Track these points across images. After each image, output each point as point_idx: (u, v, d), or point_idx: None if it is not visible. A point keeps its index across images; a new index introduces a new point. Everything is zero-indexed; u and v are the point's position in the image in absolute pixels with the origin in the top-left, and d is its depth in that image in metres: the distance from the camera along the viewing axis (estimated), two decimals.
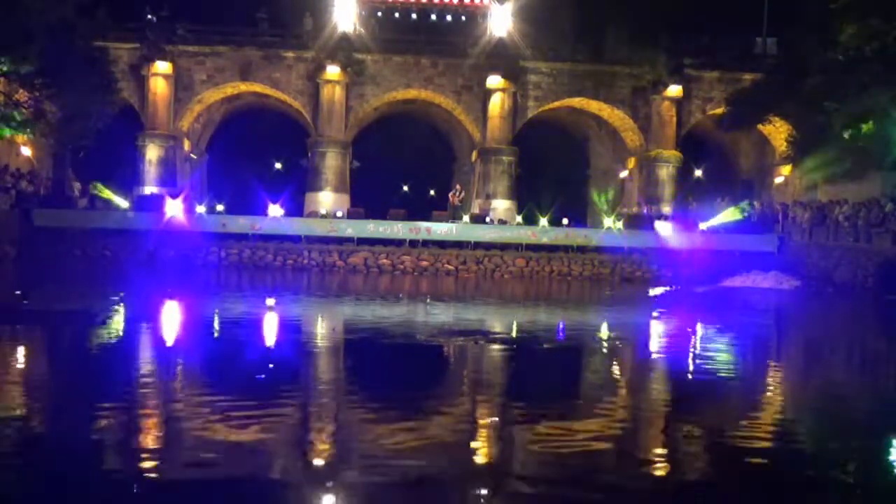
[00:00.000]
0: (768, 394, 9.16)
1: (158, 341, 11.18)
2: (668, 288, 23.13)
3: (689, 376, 9.87)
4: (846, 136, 23.61)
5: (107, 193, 28.36)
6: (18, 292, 15.17)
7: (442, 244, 26.30)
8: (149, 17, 31.23)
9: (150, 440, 6.23)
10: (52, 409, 7.05)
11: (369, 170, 34.66)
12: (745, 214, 29.48)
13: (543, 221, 28.23)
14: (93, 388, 7.74)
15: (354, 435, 6.46)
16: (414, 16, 42.90)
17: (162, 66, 30.62)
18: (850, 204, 25.10)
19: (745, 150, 36.81)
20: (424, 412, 7.11)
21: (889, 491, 5.75)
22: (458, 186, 30.94)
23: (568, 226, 27.71)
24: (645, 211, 31.66)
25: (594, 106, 33.82)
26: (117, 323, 13.07)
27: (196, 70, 31.52)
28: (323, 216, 28.47)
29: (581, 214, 35.39)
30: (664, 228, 27.33)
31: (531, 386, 8.79)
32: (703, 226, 28.53)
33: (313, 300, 18.25)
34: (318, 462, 5.81)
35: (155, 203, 26.89)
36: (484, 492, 5.22)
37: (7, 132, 24.13)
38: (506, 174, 32.16)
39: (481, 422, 7.20)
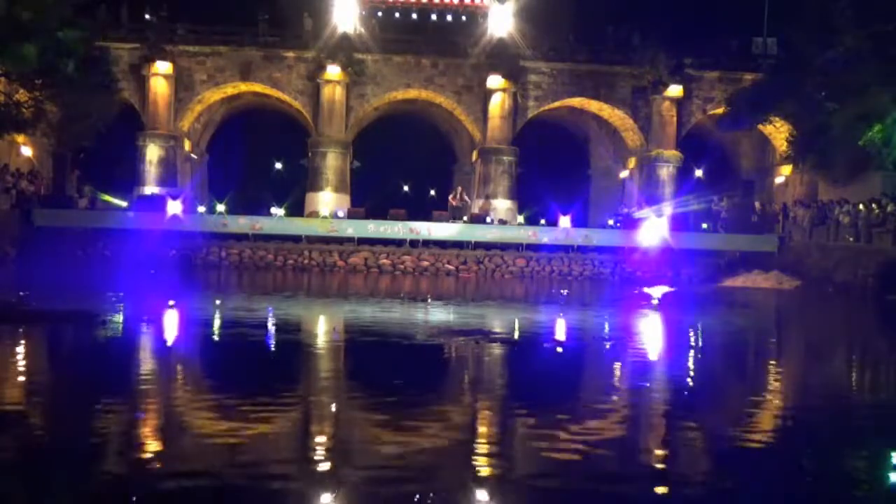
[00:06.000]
0: (768, 393, 9.16)
1: (159, 341, 11.18)
2: (668, 288, 23.13)
3: (689, 380, 9.86)
4: (846, 136, 23.61)
5: (107, 198, 28.42)
6: (22, 293, 15.16)
7: (442, 244, 26.32)
8: (148, 16, 31.25)
9: (151, 439, 6.23)
10: (53, 409, 7.04)
11: (369, 170, 34.69)
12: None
13: (543, 221, 28.25)
14: (94, 387, 7.74)
15: (354, 433, 6.46)
16: (414, 16, 42.86)
17: (162, 66, 30.63)
18: (851, 204, 25.11)
19: (745, 150, 36.82)
20: (424, 410, 7.11)
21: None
22: (459, 189, 30.93)
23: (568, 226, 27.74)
24: (634, 211, 31.67)
25: (594, 106, 33.84)
26: (118, 323, 13.08)
27: (196, 70, 31.54)
28: (323, 216, 28.48)
29: (582, 214, 35.39)
30: (657, 227, 27.21)
31: (531, 385, 8.78)
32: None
33: (314, 300, 18.25)
34: (318, 461, 5.80)
35: (155, 203, 26.92)
36: (484, 491, 5.22)
37: (8, 132, 24.15)
38: (506, 174, 32.17)
39: (481, 420, 7.20)
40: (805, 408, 8.23)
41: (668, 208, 31.15)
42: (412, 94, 33.22)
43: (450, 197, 30.43)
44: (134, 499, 4.80)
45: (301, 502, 4.95)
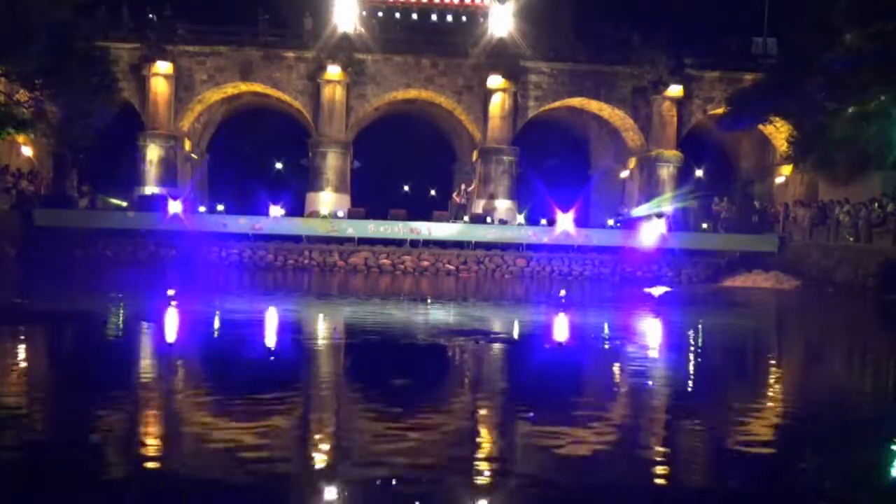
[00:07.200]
0: (768, 393, 9.16)
1: (160, 341, 11.18)
2: (668, 288, 23.10)
3: (689, 380, 9.86)
4: (846, 136, 23.61)
5: (108, 199, 28.50)
6: (19, 297, 15.18)
7: (442, 244, 26.31)
8: (149, 16, 31.24)
9: (151, 439, 6.23)
10: (53, 409, 7.04)
11: (370, 170, 34.66)
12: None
13: (543, 221, 28.23)
14: (94, 387, 7.74)
15: (354, 433, 6.46)
16: (414, 16, 42.93)
17: (162, 66, 30.60)
18: (851, 204, 25.11)
19: (745, 150, 36.81)
20: (425, 410, 7.11)
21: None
22: (462, 186, 30.91)
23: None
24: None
25: (595, 106, 33.82)
26: (119, 323, 13.09)
27: (196, 70, 31.51)
28: (324, 216, 28.48)
29: (582, 214, 35.37)
30: (656, 227, 27.17)
31: (531, 384, 8.78)
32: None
33: (314, 300, 18.25)
34: (317, 460, 5.80)
35: (155, 203, 26.94)
36: (483, 491, 5.22)
37: (8, 132, 24.12)
38: (506, 174, 32.15)
39: (481, 420, 7.20)
40: (805, 408, 8.23)
41: (666, 206, 31.11)
42: (412, 94, 33.20)
43: (454, 194, 30.44)
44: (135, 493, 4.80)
45: (303, 499, 4.96)
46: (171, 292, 14.03)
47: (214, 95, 32.84)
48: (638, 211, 31.03)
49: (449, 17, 43.34)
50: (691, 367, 10.56)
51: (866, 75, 22.17)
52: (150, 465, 5.53)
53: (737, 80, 31.90)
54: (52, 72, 22.86)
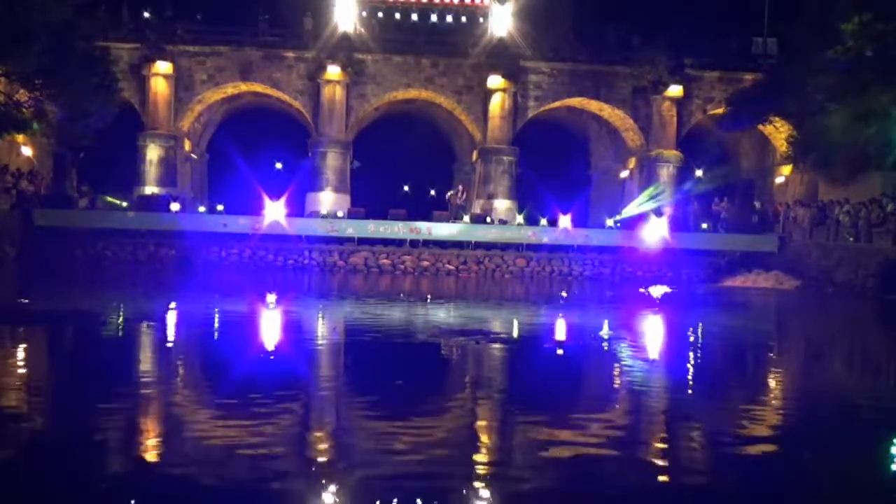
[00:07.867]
0: (768, 393, 9.16)
1: (159, 341, 11.19)
2: (668, 288, 23.12)
3: (689, 380, 9.87)
4: (846, 136, 23.60)
5: (108, 199, 28.50)
6: (21, 298, 15.16)
7: (442, 244, 26.30)
8: (149, 17, 31.23)
9: (151, 440, 6.23)
10: (54, 410, 7.05)
11: (369, 170, 34.65)
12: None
13: (543, 221, 28.22)
14: (95, 388, 7.74)
15: (355, 433, 6.46)
16: (414, 16, 42.80)
17: (162, 66, 30.60)
18: (851, 204, 25.09)
19: (745, 150, 36.81)
20: (424, 410, 7.11)
21: None
22: (460, 187, 30.92)
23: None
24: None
25: (594, 106, 33.81)
26: (119, 323, 13.09)
27: (196, 70, 31.51)
28: (324, 216, 28.47)
29: (582, 214, 35.34)
30: (655, 228, 27.10)
31: (530, 384, 8.78)
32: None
33: (314, 300, 18.25)
34: (318, 460, 5.80)
35: (155, 203, 26.94)
36: (484, 492, 5.22)
37: (8, 132, 24.10)
38: (506, 174, 32.15)
39: (480, 419, 7.20)
40: (805, 407, 8.23)
41: (662, 203, 31.06)
42: (412, 94, 33.19)
43: (450, 193, 30.44)
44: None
45: (302, 499, 4.95)
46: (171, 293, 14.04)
47: (214, 95, 32.84)
48: (629, 210, 30.98)
49: (449, 17, 43.21)
50: (691, 367, 10.56)
51: (866, 75, 22.16)
52: (148, 465, 5.53)
53: (737, 80, 31.89)
54: (52, 72, 22.82)
